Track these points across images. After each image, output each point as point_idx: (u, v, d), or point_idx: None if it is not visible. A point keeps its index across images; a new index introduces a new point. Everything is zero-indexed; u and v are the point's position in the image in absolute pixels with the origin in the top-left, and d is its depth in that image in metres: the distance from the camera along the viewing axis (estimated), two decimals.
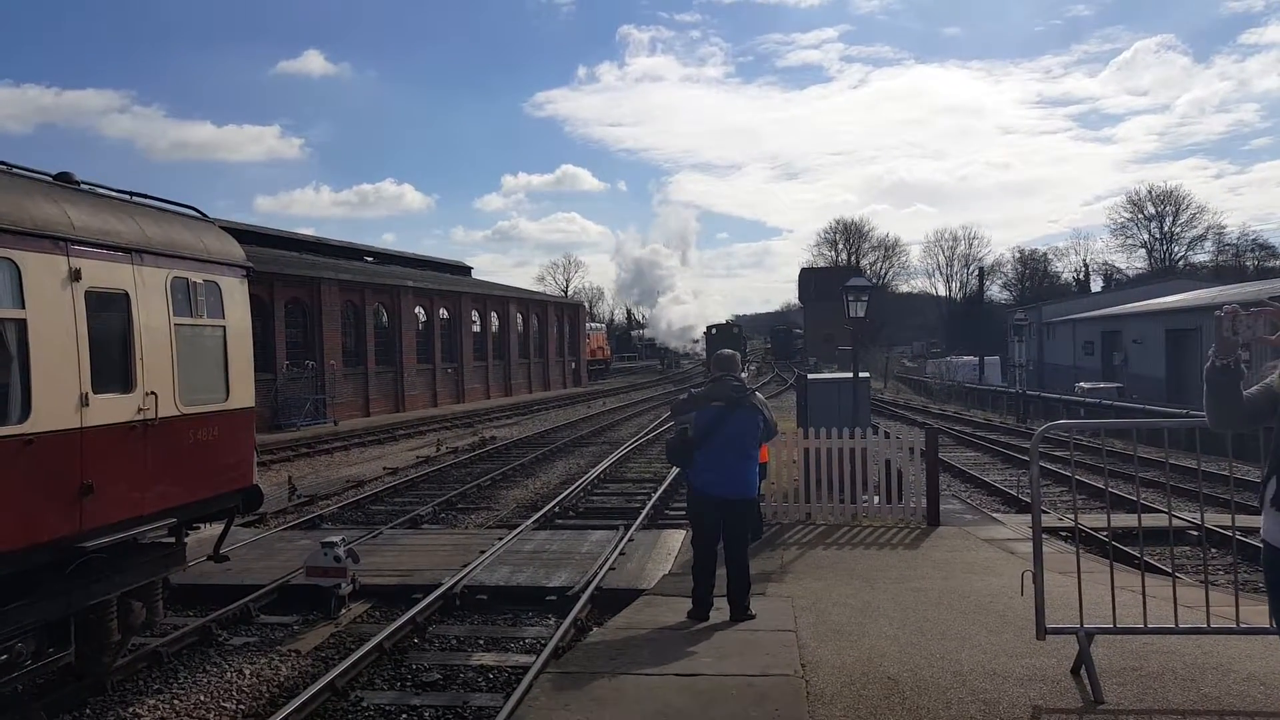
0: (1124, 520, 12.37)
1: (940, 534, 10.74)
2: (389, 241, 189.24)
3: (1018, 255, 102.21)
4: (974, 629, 6.92)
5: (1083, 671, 5.56)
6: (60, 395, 5.66)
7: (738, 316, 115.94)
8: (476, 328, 48.18)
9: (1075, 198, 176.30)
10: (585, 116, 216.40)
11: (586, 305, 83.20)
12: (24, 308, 5.43)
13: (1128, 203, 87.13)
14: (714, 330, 64.58)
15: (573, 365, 62.58)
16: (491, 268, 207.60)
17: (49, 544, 5.63)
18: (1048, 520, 12.59)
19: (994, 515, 12.90)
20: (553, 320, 58.97)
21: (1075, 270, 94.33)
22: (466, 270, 60.91)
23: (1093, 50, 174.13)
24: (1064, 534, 11.29)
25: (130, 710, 6.56)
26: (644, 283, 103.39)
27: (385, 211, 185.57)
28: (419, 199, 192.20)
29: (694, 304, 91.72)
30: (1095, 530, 11.67)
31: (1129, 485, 15.35)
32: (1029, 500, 6.88)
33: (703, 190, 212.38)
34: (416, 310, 42.15)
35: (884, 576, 8.68)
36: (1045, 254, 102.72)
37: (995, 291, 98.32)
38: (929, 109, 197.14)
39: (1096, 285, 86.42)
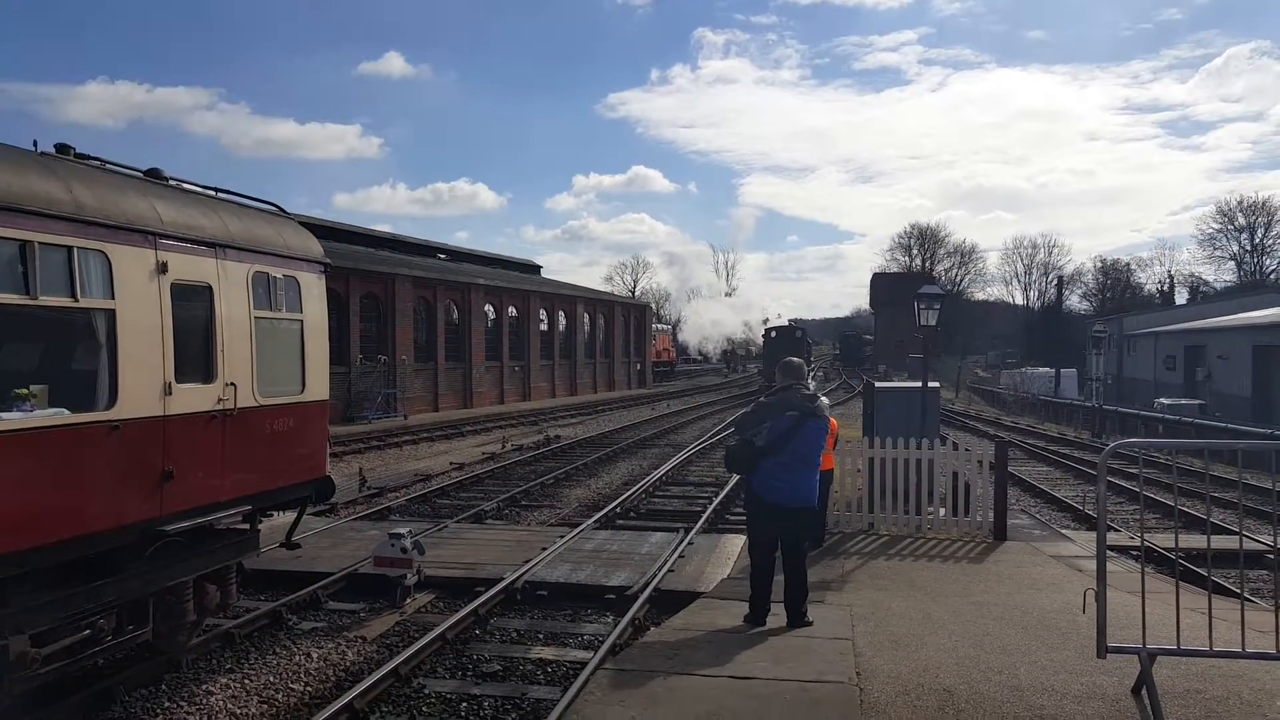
0: (1196, 541, 11.91)
1: (1006, 549, 10.50)
2: (462, 240, 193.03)
3: (1099, 265, 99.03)
4: (1034, 645, 6.77)
5: (1144, 692, 5.42)
6: (145, 384, 5.95)
7: (805, 320, 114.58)
8: (544, 326, 48.75)
9: (1161, 207, 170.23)
10: (658, 118, 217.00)
11: (653, 306, 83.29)
12: (114, 298, 5.72)
13: (1217, 213, 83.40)
14: (774, 333, 60.50)
15: (638, 366, 62.79)
16: (560, 267, 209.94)
17: (132, 526, 5.92)
18: (1118, 539, 12.22)
19: (1063, 532, 12.54)
20: (619, 321, 59.29)
21: (1159, 281, 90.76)
22: (536, 269, 61.70)
23: (1184, 55, 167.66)
24: (1135, 553, 10.92)
25: (203, 688, 6.85)
26: (689, 282, 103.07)
27: (459, 210, 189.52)
28: (492, 198, 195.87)
29: (724, 306, 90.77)
30: (1166, 550, 11.25)
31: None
32: None
33: (774, 193, 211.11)
34: (486, 308, 42.86)
35: (946, 589, 8.54)
36: (1128, 264, 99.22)
37: (1074, 302, 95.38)
38: (1010, 113, 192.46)
39: (1181, 298, 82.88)
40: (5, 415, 5.08)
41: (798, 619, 7.35)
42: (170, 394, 6.15)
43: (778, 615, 7.38)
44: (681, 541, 11.18)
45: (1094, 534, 6.49)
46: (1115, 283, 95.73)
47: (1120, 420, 37.49)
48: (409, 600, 9.01)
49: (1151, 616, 5.67)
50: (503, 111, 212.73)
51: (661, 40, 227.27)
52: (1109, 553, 6.81)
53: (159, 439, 6.07)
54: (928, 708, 5.51)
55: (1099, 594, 5.52)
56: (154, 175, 6.85)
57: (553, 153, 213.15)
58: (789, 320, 79.71)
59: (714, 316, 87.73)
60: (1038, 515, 14.72)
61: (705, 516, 13.54)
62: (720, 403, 45.62)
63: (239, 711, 6.46)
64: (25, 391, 5.29)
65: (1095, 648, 5.57)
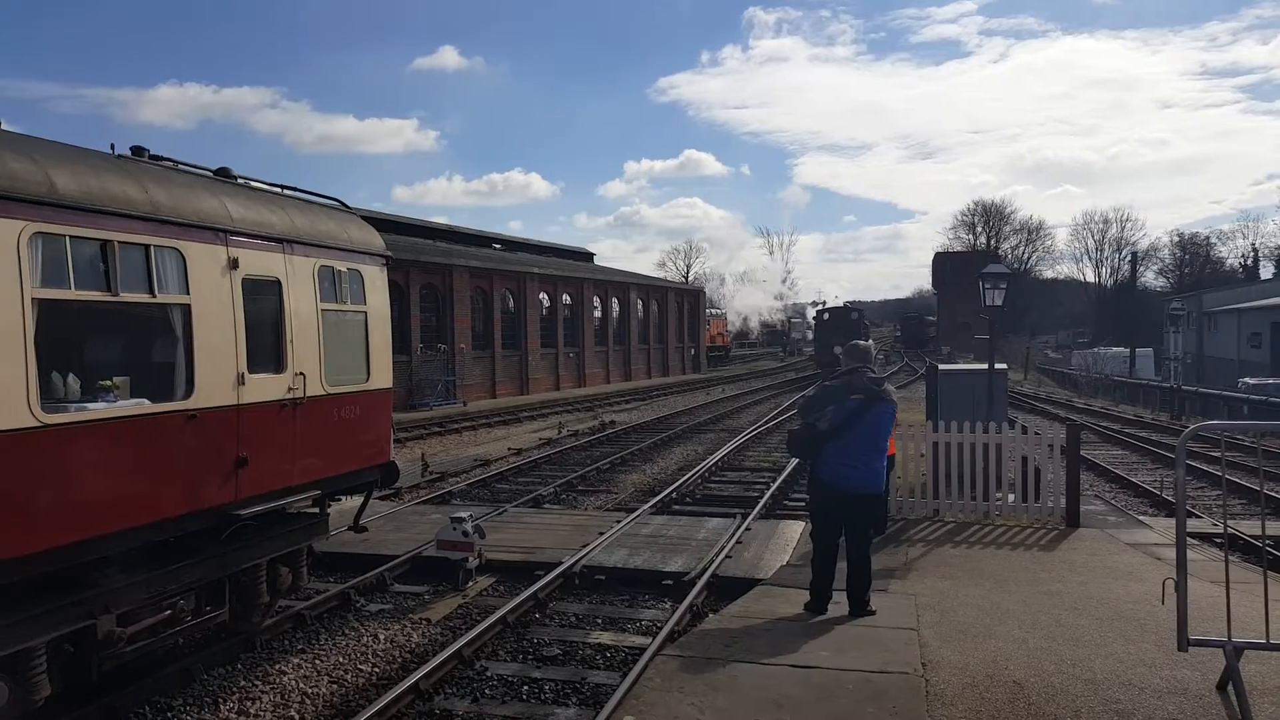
0: None
1: (1079, 536, 10.22)
2: (516, 229, 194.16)
3: (1176, 239, 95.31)
4: (1110, 636, 6.57)
5: (1230, 688, 5.21)
6: (220, 374, 6.14)
7: (864, 302, 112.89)
8: (598, 313, 48.91)
9: (1243, 176, 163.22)
10: (709, 100, 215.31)
11: (706, 291, 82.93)
12: (189, 294, 5.92)
13: None
14: (826, 315, 56.53)
15: (692, 351, 62.59)
16: (613, 254, 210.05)
17: (209, 511, 6.13)
18: (1201, 525, 11.79)
19: (1140, 518, 12.15)
20: (672, 306, 59.12)
21: (1242, 255, 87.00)
22: (589, 256, 61.82)
23: (1266, 14, 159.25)
24: (1218, 540, 10.53)
25: (276, 667, 7.07)
26: (729, 265, 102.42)
27: (513, 200, 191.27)
28: (545, 187, 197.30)
29: (759, 290, 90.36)
30: (1252, 538, 10.80)
31: None
32: None
33: (829, 172, 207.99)
34: (541, 296, 43.17)
35: (1015, 578, 8.35)
36: (1207, 238, 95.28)
37: (1150, 278, 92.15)
38: (1077, 83, 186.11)
39: (1266, 271, 79.27)
40: (91, 405, 5.30)
41: (860, 608, 7.26)
42: (243, 384, 6.33)
43: (839, 604, 7.30)
44: (739, 527, 11.14)
45: (1173, 520, 6.27)
46: (1194, 257, 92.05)
47: (1201, 401, 36.14)
48: (471, 583, 9.17)
49: (1237, 608, 5.45)
50: (554, 101, 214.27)
51: (711, 22, 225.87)
52: (1190, 540, 6.59)
53: (233, 427, 6.26)
54: (997, 700, 5.39)
55: (1179, 583, 5.33)
56: (223, 174, 7.04)
57: (604, 140, 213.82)
58: (846, 302, 78.51)
59: (752, 302, 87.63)
60: (1113, 501, 14.32)
61: (763, 502, 13.45)
62: (776, 387, 45.27)
63: (310, 691, 6.65)
64: (109, 383, 5.51)
65: (1176, 640, 5.38)
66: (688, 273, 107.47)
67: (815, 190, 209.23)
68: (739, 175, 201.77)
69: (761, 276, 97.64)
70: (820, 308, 63.09)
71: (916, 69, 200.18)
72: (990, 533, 10.31)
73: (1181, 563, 5.36)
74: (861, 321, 55.71)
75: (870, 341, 7.82)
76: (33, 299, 4.81)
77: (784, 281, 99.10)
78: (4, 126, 5.40)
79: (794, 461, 16.34)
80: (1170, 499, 14.38)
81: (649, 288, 57.05)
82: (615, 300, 51.30)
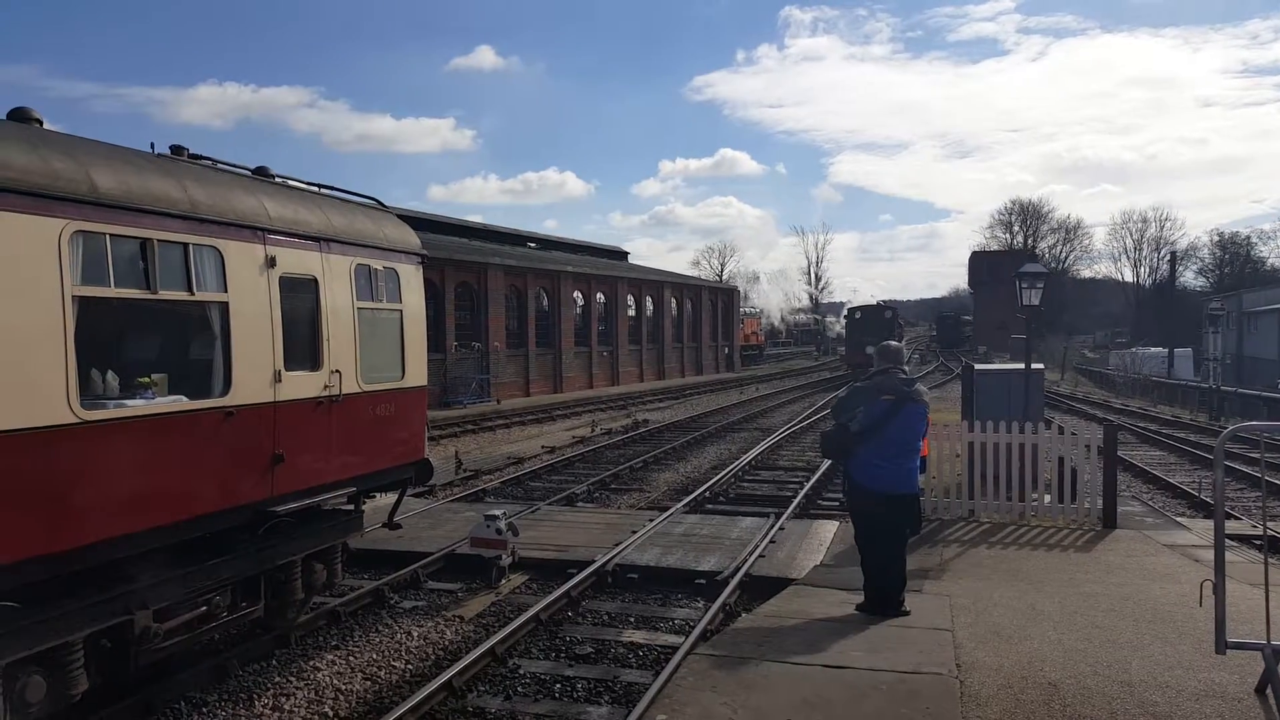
0: None
1: (1116, 537, 10.05)
2: (551, 228, 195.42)
3: (1216, 238, 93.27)
4: (1147, 638, 6.46)
5: (1269, 691, 5.10)
6: (257, 372, 6.23)
7: (900, 301, 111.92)
8: (632, 312, 48.95)
9: None
10: (744, 99, 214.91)
11: (741, 290, 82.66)
12: (227, 291, 6.00)
13: None
14: (858, 314, 55.23)
15: (726, 350, 62.39)
16: (647, 253, 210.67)
17: (245, 507, 6.22)
18: (1240, 527, 11.54)
19: (1178, 519, 11.92)
20: (706, 305, 58.98)
21: None
22: (623, 255, 61.86)
23: None
24: (1257, 542, 10.29)
25: (310, 664, 7.15)
26: (752, 264, 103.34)
27: (548, 199, 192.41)
28: (580, 186, 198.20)
29: (776, 288, 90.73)
30: None
31: None
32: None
33: (865, 170, 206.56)
34: (575, 295, 43.30)
35: (1051, 579, 8.23)
36: (1248, 237, 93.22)
37: (1189, 278, 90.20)
38: (1116, 81, 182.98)
39: None
40: (129, 402, 5.40)
41: (894, 608, 7.22)
42: (280, 381, 6.42)
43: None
44: (772, 527, 11.08)
45: (1211, 522, 6.16)
46: (1234, 257, 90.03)
47: (1240, 402, 35.34)
48: (504, 581, 9.22)
49: (1277, 611, 5.32)
50: (589, 100, 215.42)
51: (747, 21, 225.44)
52: (1229, 542, 6.47)
53: (270, 424, 6.35)
54: (1032, 702, 5.32)
55: (1217, 585, 5.23)
56: (261, 173, 7.13)
57: (639, 139, 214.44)
58: (880, 300, 77.65)
59: (774, 301, 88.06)
60: (1150, 502, 14.06)
61: (796, 502, 13.37)
62: (809, 387, 44.98)
63: (344, 688, 6.73)
64: (147, 380, 5.61)
65: (1214, 643, 5.29)
66: (722, 271, 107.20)
67: (851, 189, 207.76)
68: (774, 174, 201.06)
69: (794, 275, 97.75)
70: (851, 307, 62.46)
71: (954, 67, 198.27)
72: (1026, 534, 10.18)
73: (1220, 564, 5.26)
74: (895, 320, 54.78)
75: (902, 342, 7.83)
76: (73, 296, 4.90)
77: (811, 280, 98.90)
78: (45, 126, 5.52)
79: (827, 461, 16.24)
80: (1208, 500, 14.07)
81: (683, 286, 56.96)
82: (649, 299, 51.31)
